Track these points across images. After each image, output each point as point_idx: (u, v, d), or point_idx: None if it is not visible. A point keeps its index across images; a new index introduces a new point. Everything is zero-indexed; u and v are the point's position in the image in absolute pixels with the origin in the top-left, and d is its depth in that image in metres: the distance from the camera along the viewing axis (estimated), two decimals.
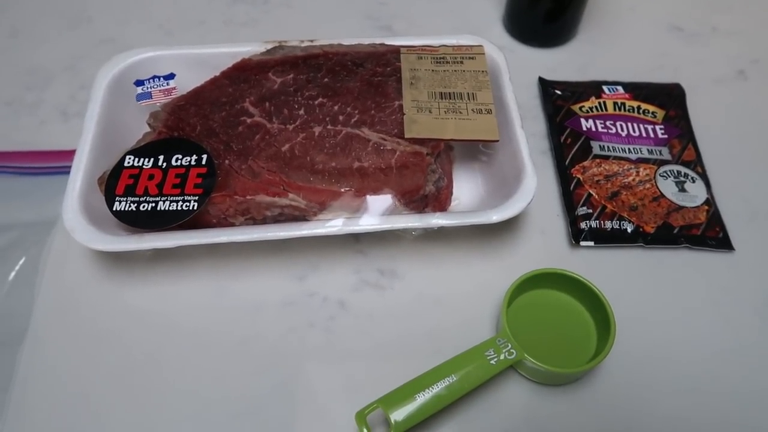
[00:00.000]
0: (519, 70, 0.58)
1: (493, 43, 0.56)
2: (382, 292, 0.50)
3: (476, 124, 0.50)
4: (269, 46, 0.55)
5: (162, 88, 0.53)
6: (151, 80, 0.53)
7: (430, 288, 0.50)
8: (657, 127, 0.58)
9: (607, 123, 0.58)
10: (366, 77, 0.52)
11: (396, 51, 0.55)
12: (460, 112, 0.50)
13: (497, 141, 0.49)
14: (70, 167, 0.48)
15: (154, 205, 0.45)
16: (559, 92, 0.61)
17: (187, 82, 0.53)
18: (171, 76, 0.53)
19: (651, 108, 0.60)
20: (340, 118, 0.50)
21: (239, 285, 0.50)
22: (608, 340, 0.43)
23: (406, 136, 0.49)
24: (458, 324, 0.48)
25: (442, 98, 0.51)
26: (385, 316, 0.49)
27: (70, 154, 0.49)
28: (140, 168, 0.47)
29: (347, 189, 0.47)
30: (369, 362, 0.46)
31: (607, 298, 0.45)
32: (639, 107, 0.60)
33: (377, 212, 0.47)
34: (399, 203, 0.47)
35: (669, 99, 0.61)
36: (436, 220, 0.46)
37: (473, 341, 0.44)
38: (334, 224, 0.46)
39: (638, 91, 0.61)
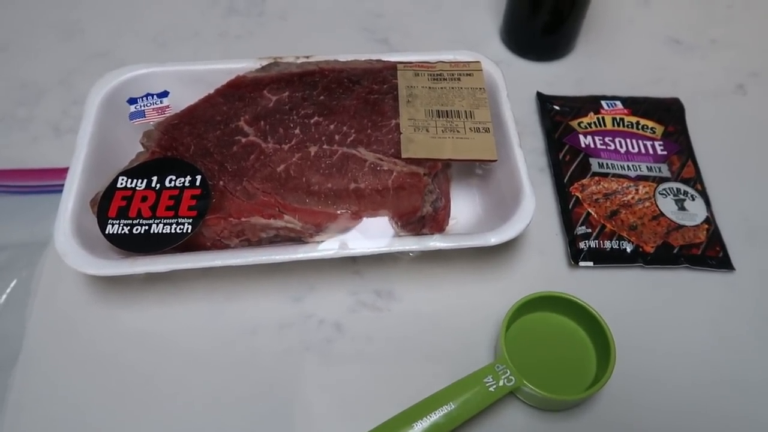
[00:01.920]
0: (516, 83, 0.57)
1: (490, 57, 0.56)
2: (379, 314, 0.49)
3: (474, 143, 0.49)
4: (264, 63, 0.55)
5: (155, 106, 0.52)
6: (144, 98, 0.52)
7: (428, 310, 0.49)
8: (656, 144, 0.58)
9: (606, 139, 0.58)
10: (362, 95, 0.52)
11: (393, 67, 0.54)
12: (458, 131, 0.50)
13: (495, 161, 0.49)
14: (62, 185, 0.47)
15: (147, 227, 0.45)
16: (557, 107, 0.61)
17: (181, 99, 0.52)
18: (164, 94, 0.52)
19: (650, 123, 0.59)
20: (336, 137, 0.49)
21: (234, 307, 0.49)
22: (608, 365, 0.43)
23: (402, 156, 0.48)
24: (456, 346, 0.48)
25: (439, 116, 0.51)
26: (382, 339, 0.48)
27: (62, 171, 0.48)
28: (133, 189, 0.46)
29: (343, 211, 0.46)
30: (366, 386, 0.46)
31: (606, 323, 0.44)
32: (638, 123, 0.59)
33: (374, 234, 0.46)
34: (396, 225, 0.47)
35: (668, 114, 0.60)
36: (434, 243, 0.46)
37: (471, 363, 0.44)
38: (329, 247, 0.45)
39: (637, 106, 0.61)
